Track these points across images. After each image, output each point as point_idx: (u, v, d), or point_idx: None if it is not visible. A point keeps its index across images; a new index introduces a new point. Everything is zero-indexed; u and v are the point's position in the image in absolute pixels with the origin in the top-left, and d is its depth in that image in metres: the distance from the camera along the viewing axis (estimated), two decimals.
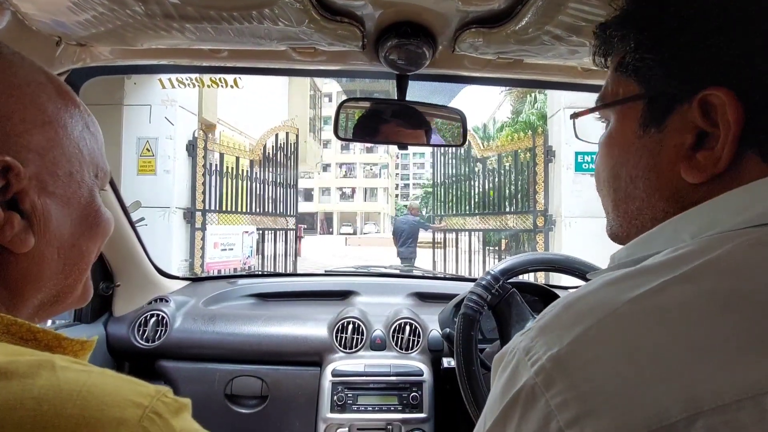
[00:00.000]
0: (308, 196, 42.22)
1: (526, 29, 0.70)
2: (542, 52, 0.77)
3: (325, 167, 41.29)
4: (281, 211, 6.70)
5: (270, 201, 6.44)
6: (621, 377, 0.24)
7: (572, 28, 0.68)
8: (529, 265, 0.97)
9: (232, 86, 6.07)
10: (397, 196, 51.02)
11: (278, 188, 6.59)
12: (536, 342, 0.28)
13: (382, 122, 0.89)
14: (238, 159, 5.75)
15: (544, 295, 1.18)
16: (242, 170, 5.75)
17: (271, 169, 6.39)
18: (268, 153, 6.38)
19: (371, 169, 42.83)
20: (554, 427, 0.25)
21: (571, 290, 0.33)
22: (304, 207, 40.47)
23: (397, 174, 53.37)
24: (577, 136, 0.46)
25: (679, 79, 0.31)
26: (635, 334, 0.25)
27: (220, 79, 5.60)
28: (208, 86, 6.04)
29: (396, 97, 0.87)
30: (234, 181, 5.58)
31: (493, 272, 0.94)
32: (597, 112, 0.40)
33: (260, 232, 6.02)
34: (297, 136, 7.02)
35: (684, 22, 0.31)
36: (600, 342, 0.26)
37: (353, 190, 42.41)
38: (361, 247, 21.23)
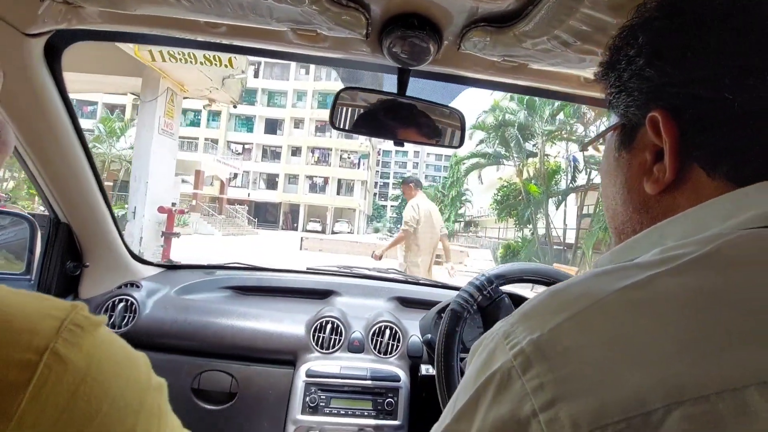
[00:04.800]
0: (271, 183, 35.28)
1: (534, 32, 0.68)
2: (548, 57, 0.76)
3: (295, 151, 35.14)
4: None
5: None
6: (601, 363, 0.24)
7: (581, 35, 0.67)
8: (524, 275, 0.96)
9: (226, 65, 5.71)
10: (375, 194, 44.73)
11: None
12: (516, 327, 0.28)
13: (380, 116, 0.86)
14: None
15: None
16: None
17: None
18: None
19: (349, 158, 35.89)
20: (528, 409, 0.25)
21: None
22: (265, 196, 34.41)
23: (377, 171, 45.77)
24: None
25: (634, 106, 0.36)
26: (619, 322, 0.26)
27: (214, 56, 5.31)
28: (201, 63, 5.56)
29: (395, 91, 0.85)
30: None
31: (487, 274, 0.93)
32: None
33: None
34: None
35: (629, 60, 0.36)
36: (583, 329, 0.26)
37: (325, 180, 35.33)
38: (322, 252, 15.71)
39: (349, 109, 0.86)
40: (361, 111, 0.86)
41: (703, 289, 0.26)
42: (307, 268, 1.64)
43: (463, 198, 30.25)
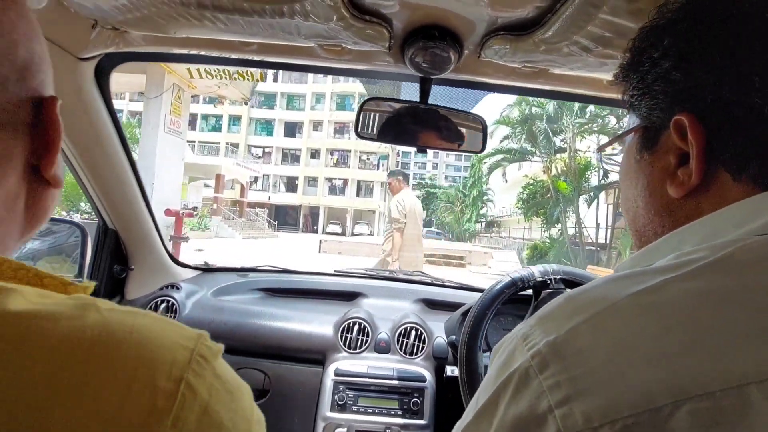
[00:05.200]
0: (291, 185, 35.70)
1: (554, 38, 0.69)
2: (569, 62, 0.77)
3: (314, 153, 35.17)
4: None
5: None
6: (612, 363, 0.26)
7: (601, 40, 0.68)
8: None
9: (257, 80, 5.93)
10: None
11: None
12: (534, 330, 0.30)
13: (403, 124, 0.89)
14: None
15: None
16: None
17: None
18: None
19: (368, 159, 35.57)
20: (545, 405, 0.26)
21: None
22: (285, 198, 34.82)
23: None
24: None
25: (658, 108, 0.36)
26: (630, 325, 0.27)
27: (246, 72, 5.51)
28: (235, 78, 5.70)
29: (418, 100, 0.87)
30: None
31: (557, 266, 0.96)
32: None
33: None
34: None
35: (653, 62, 0.36)
36: (596, 331, 0.27)
37: (345, 182, 35.12)
38: (341, 255, 14.88)
39: (374, 118, 0.89)
40: (385, 119, 0.89)
41: (713, 291, 0.27)
42: (335, 271, 1.68)
43: (485, 198, 29.16)
